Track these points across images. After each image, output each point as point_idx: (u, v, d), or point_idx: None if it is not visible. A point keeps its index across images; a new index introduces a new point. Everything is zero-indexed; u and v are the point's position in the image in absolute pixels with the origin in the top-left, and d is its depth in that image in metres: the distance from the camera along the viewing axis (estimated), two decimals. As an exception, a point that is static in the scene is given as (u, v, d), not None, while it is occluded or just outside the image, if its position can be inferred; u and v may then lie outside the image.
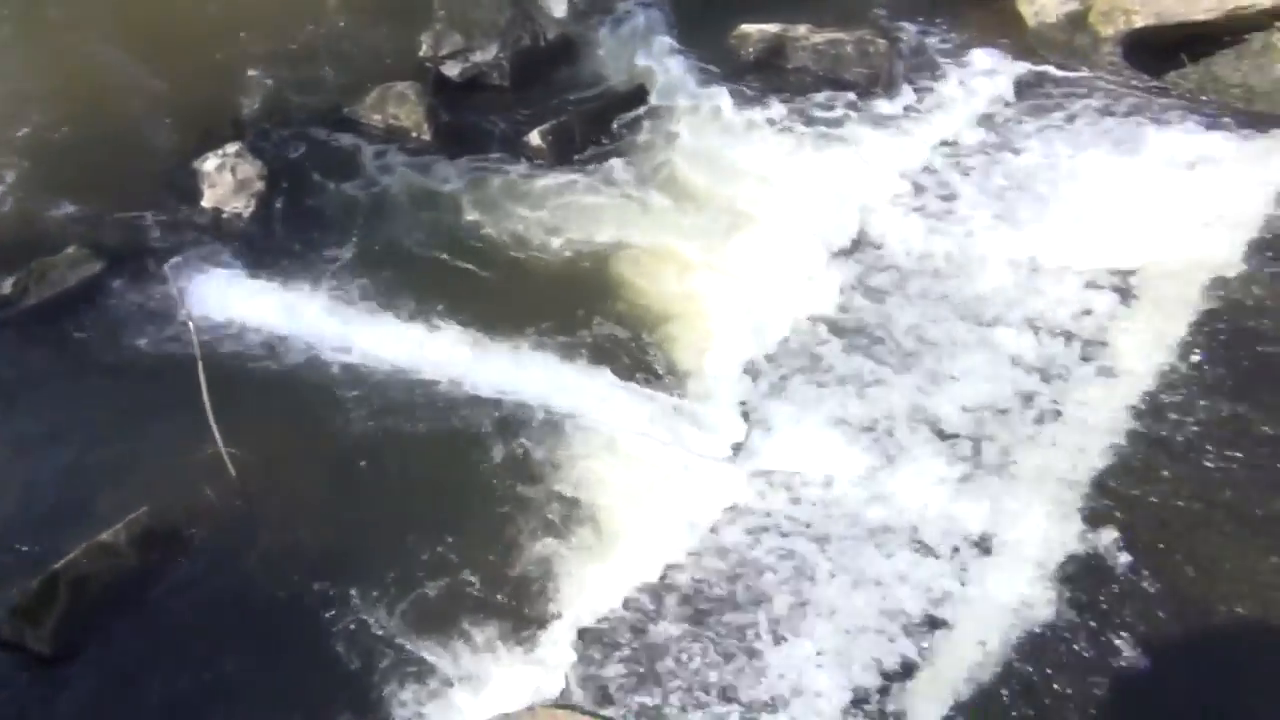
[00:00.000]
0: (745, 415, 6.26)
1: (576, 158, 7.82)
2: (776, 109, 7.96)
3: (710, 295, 6.84)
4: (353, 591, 5.47)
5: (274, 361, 6.51)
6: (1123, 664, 5.08)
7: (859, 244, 7.16)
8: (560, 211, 7.40)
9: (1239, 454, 5.77)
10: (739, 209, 7.31)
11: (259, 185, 7.48)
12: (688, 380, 6.44)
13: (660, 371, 6.49)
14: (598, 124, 8.02)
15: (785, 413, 6.24)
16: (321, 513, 5.90)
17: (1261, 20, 7.91)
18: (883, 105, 8.04)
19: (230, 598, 5.53)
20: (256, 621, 5.45)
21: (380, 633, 5.33)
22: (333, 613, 5.41)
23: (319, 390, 6.36)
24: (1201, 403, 6.01)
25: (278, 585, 5.54)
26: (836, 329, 6.64)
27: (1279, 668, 5.06)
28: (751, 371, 6.46)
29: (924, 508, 5.74)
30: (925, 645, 5.23)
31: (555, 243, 7.21)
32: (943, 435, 6.03)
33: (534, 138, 7.84)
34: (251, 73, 8.35)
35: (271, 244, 7.27)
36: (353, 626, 5.36)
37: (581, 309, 6.81)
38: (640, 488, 5.94)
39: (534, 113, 8.11)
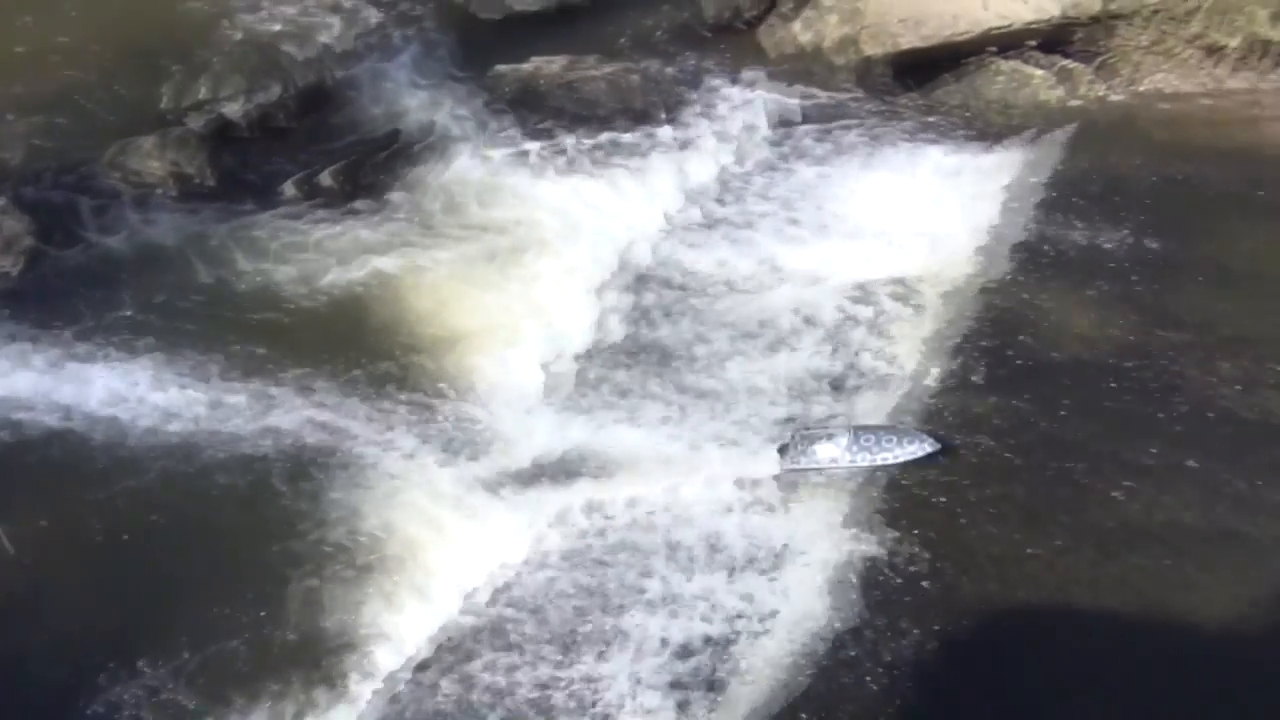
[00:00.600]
0: (538, 436, 6.24)
1: (335, 202, 7.67)
2: (541, 143, 8.02)
3: (491, 322, 6.82)
4: (142, 661, 5.19)
5: (50, 427, 6.18)
6: (920, 657, 5.28)
7: (633, 268, 7.26)
8: (332, 252, 7.26)
9: (1017, 449, 6.11)
10: (512, 239, 7.32)
11: (28, 241, 7.12)
12: (476, 404, 6.40)
13: (448, 398, 6.40)
14: (359, 168, 7.85)
15: (578, 432, 6.25)
16: (106, 581, 5.59)
17: (978, 45, 8.58)
18: (639, 136, 8.19)
19: (10, 679, 5.17)
20: (42, 701, 5.11)
21: (176, 700, 5.08)
22: (123, 685, 5.11)
23: (97, 454, 6.06)
24: (976, 400, 6.36)
25: (61, 662, 5.22)
26: (618, 350, 6.73)
27: (1066, 650, 5.34)
28: (538, 395, 6.47)
29: (718, 523, 5.84)
30: (730, 657, 5.30)
31: (329, 280, 7.07)
32: (733, 447, 6.14)
33: (289, 188, 7.71)
34: (7, 124, 7.99)
35: (42, 305, 6.91)
36: (147, 697, 5.08)
37: (366, 345, 6.71)
38: (440, 523, 5.84)
39: (297, 159, 7.93)
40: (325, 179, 7.72)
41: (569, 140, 8.07)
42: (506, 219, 7.48)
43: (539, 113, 8.32)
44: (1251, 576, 5.46)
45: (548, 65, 8.51)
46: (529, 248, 7.27)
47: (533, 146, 8.00)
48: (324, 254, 7.28)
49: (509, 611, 5.48)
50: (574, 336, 6.80)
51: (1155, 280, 6.99)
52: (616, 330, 6.86)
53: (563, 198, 7.64)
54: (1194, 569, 5.53)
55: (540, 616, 5.45)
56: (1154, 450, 6.03)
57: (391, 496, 5.92)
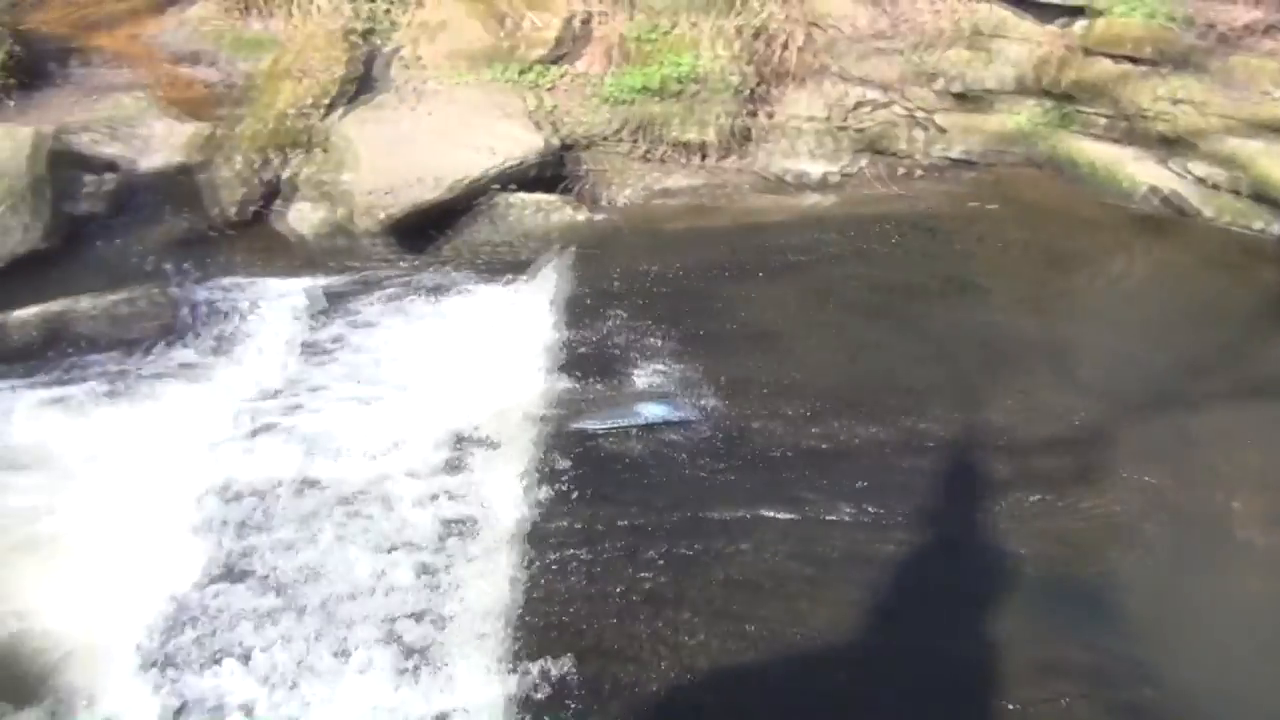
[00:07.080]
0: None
1: None
2: (65, 389, 7.22)
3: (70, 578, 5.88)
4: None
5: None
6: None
7: (214, 493, 6.52)
8: None
9: (632, 583, 5.96)
10: (61, 500, 6.35)
11: None
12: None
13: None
14: None
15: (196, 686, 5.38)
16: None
17: (481, 187, 9.18)
18: (184, 354, 7.74)
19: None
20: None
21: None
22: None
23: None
24: (584, 511, 6.34)
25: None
26: (225, 580, 5.91)
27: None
28: (138, 645, 5.49)
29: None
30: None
31: None
32: (346, 654, 5.55)
33: None
34: None
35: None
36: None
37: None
38: None
39: None
40: None
41: (104, 372, 7.40)
42: (47, 478, 6.58)
43: (66, 351, 7.56)
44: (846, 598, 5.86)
45: (45, 309, 7.81)
46: (91, 499, 6.40)
47: (60, 391, 7.21)
48: None
49: None
50: (167, 579, 5.91)
51: (694, 352, 7.69)
52: (213, 564, 6.00)
53: (108, 439, 6.89)
54: (806, 605, 5.80)
55: None
56: (740, 512, 6.35)
57: None
